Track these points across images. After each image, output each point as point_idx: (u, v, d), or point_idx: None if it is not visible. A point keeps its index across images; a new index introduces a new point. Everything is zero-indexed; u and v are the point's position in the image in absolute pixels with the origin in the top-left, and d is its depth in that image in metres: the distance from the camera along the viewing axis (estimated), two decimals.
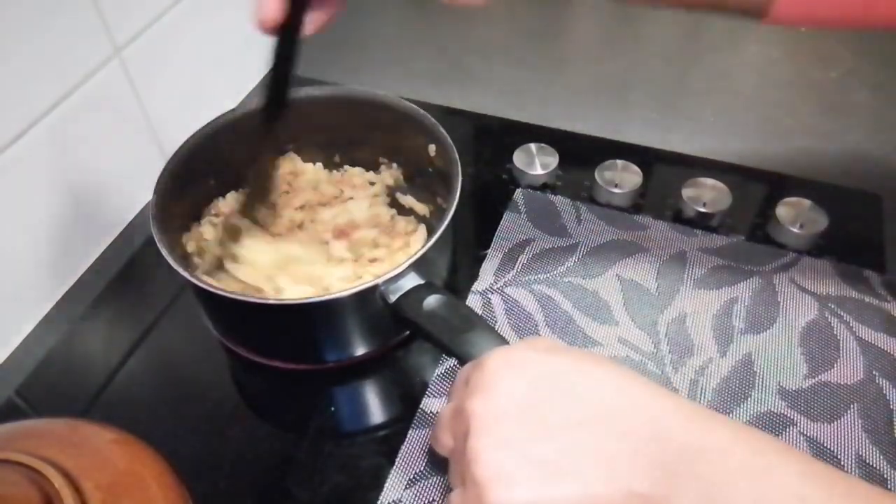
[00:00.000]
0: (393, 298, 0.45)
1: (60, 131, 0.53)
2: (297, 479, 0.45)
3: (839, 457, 0.44)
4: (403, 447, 0.46)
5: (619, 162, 0.62)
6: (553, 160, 0.63)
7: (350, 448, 0.47)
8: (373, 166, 0.61)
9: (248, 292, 0.50)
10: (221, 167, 0.57)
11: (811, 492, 0.29)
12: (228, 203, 0.58)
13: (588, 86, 0.75)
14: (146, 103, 0.61)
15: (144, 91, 0.60)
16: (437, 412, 0.47)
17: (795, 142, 0.68)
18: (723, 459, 0.30)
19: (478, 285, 0.55)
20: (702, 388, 0.48)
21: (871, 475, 0.43)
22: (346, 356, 0.50)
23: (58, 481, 0.30)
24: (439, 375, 0.50)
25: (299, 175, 0.60)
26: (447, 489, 0.42)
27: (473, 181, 0.63)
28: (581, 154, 0.64)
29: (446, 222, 0.47)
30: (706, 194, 0.59)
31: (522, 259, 0.57)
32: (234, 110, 0.55)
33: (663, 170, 0.64)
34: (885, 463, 0.44)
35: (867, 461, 0.44)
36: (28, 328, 0.55)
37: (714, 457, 0.30)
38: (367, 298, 0.45)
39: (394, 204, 0.60)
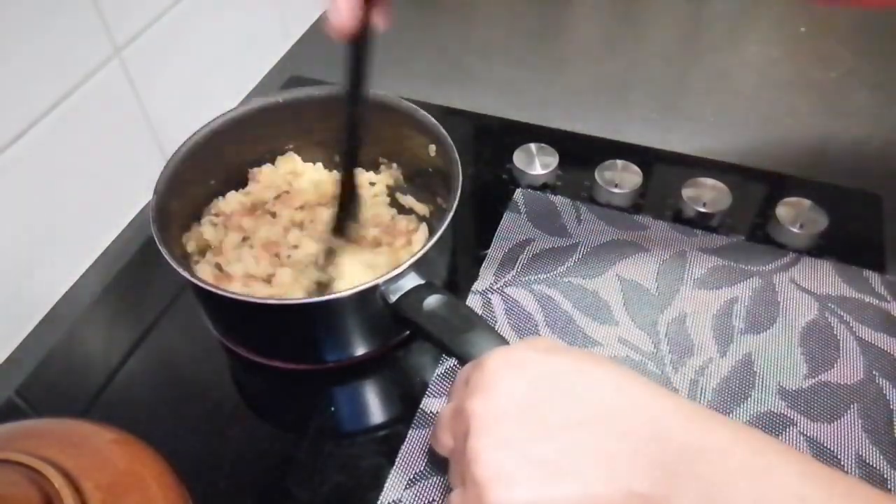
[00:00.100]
0: (393, 298, 0.45)
1: (60, 131, 0.53)
2: (297, 479, 0.45)
3: (839, 457, 0.44)
4: (403, 447, 0.46)
5: (619, 162, 0.62)
6: (553, 160, 0.63)
7: (350, 448, 0.47)
8: (373, 166, 0.61)
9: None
10: (221, 167, 0.57)
11: (811, 492, 0.29)
12: (229, 203, 0.58)
13: (588, 86, 0.75)
14: (146, 103, 0.61)
15: (144, 91, 0.60)
16: (437, 412, 0.47)
17: (795, 142, 0.68)
18: (723, 459, 0.30)
19: (478, 285, 0.55)
20: (702, 388, 0.48)
21: (871, 475, 0.43)
22: (346, 356, 0.50)
23: (58, 481, 0.30)
24: (439, 375, 0.50)
25: (299, 175, 0.60)
26: (447, 489, 0.42)
27: (473, 181, 0.63)
28: (581, 154, 0.64)
29: (446, 222, 0.47)
30: (706, 194, 0.59)
31: (522, 259, 0.57)
32: (234, 110, 0.55)
33: (663, 170, 0.64)
34: (885, 463, 0.44)
35: (867, 461, 0.44)
36: (28, 328, 0.55)
37: (714, 457, 0.30)
38: (367, 298, 0.45)
39: (394, 204, 0.60)
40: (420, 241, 0.55)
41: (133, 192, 0.62)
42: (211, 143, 0.54)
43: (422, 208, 0.58)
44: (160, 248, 0.45)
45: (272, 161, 0.60)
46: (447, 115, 0.69)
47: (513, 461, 0.32)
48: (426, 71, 0.78)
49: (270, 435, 0.49)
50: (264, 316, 0.47)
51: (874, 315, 0.51)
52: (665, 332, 0.51)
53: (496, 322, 0.52)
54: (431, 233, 0.47)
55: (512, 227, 0.59)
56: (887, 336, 0.50)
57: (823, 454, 0.45)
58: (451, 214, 0.47)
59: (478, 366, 0.36)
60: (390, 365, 0.52)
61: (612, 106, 0.73)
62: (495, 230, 0.59)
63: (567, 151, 0.64)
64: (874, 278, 0.54)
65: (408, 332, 0.51)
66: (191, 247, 0.55)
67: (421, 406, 0.48)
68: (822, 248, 0.56)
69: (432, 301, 0.44)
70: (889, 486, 0.43)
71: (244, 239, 0.56)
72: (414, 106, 0.54)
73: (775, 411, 0.47)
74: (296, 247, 0.55)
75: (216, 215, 0.57)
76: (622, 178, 0.61)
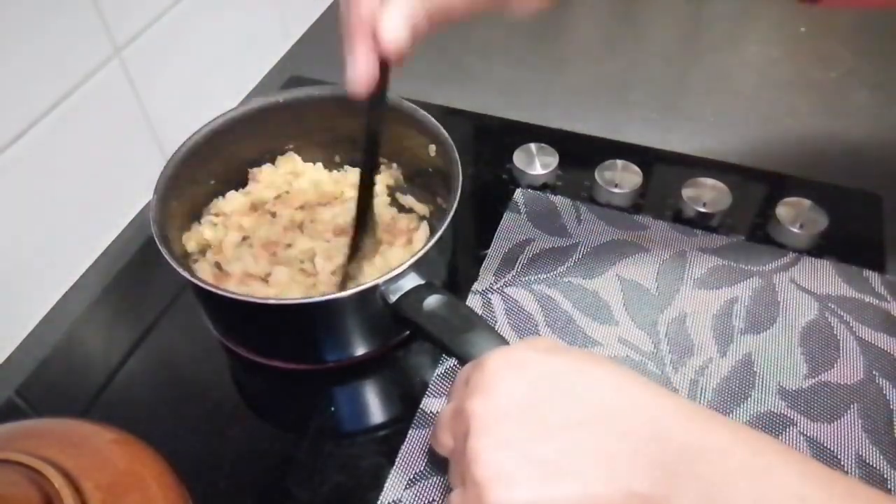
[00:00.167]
0: (393, 298, 0.45)
1: (60, 131, 0.53)
2: (297, 479, 0.45)
3: (839, 457, 0.44)
4: (403, 447, 0.46)
5: (619, 162, 0.62)
6: (553, 160, 0.63)
7: (350, 448, 0.47)
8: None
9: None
10: (221, 167, 0.57)
11: (811, 492, 0.29)
12: (229, 202, 0.58)
13: (588, 86, 0.75)
14: (146, 103, 0.61)
15: (144, 91, 0.60)
16: (437, 412, 0.47)
17: (795, 142, 0.68)
18: (723, 459, 0.30)
19: (478, 285, 0.55)
20: (702, 388, 0.48)
21: (871, 475, 0.43)
22: (346, 356, 0.50)
23: (58, 481, 0.30)
24: (439, 375, 0.50)
25: (299, 175, 0.60)
26: (447, 489, 0.42)
27: (473, 181, 0.63)
28: (581, 154, 0.64)
29: (447, 222, 0.47)
30: (706, 194, 0.59)
31: (522, 259, 0.57)
32: (234, 110, 0.55)
33: (663, 170, 0.64)
34: (885, 463, 0.44)
35: (867, 461, 0.44)
36: (28, 328, 0.55)
37: (714, 457, 0.30)
38: (367, 298, 0.45)
39: (394, 204, 0.60)
40: (421, 240, 0.55)
41: (133, 192, 0.62)
42: (211, 143, 0.54)
43: (422, 208, 0.58)
44: (160, 247, 0.45)
45: (272, 161, 0.60)
46: (447, 115, 0.69)
47: (513, 461, 0.32)
48: (426, 71, 0.78)
49: (270, 435, 0.49)
50: (264, 316, 0.47)
51: (874, 315, 0.51)
52: (665, 332, 0.51)
53: (496, 322, 0.52)
54: (431, 233, 0.47)
55: (512, 227, 0.59)
56: (887, 336, 0.50)
57: (823, 454, 0.45)
58: (452, 214, 0.47)
59: (478, 366, 0.36)
60: (390, 365, 0.52)
61: (612, 106, 0.73)
62: (495, 230, 0.59)
63: (567, 151, 0.64)
64: (874, 278, 0.54)
65: (408, 332, 0.51)
66: (191, 246, 0.55)
67: (421, 406, 0.48)
68: (822, 248, 0.56)
69: (432, 301, 0.44)
70: (889, 486, 0.43)
71: (244, 238, 0.56)
72: (414, 106, 0.54)
73: (775, 411, 0.47)
74: (289, 245, 0.55)
75: (216, 215, 0.57)
76: (622, 178, 0.61)
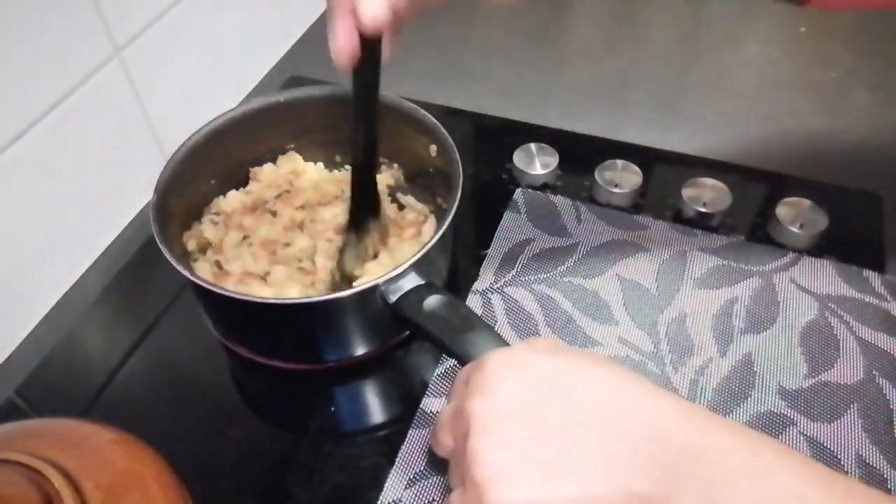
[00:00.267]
0: (393, 298, 0.45)
1: (60, 131, 0.53)
2: (297, 479, 0.45)
3: (839, 457, 0.44)
4: (403, 447, 0.46)
5: (619, 162, 0.62)
6: (553, 160, 0.63)
7: (350, 448, 0.47)
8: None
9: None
10: (222, 167, 0.57)
11: (810, 492, 0.29)
12: (229, 202, 0.58)
13: (588, 86, 0.75)
14: (146, 103, 0.61)
15: (144, 91, 0.60)
16: (437, 412, 0.47)
17: (795, 142, 0.68)
18: (723, 460, 0.30)
19: (478, 285, 0.55)
20: (702, 388, 0.48)
21: (871, 475, 0.43)
22: (346, 356, 0.50)
23: (58, 481, 0.30)
24: (439, 375, 0.50)
25: (300, 174, 0.60)
26: (447, 489, 0.42)
27: (473, 181, 0.63)
28: (581, 154, 0.64)
29: (447, 222, 0.47)
30: (706, 194, 0.59)
31: (522, 259, 0.57)
32: (234, 110, 0.55)
33: (663, 170, 0.64)
34: (885, 463, 0.44)
35: (867, 461, 0.44)
36: (28, 328, 0.55)
37: (714, 457, 0.30)
38: (367, 298, 0.45)
39: (394, 203, 0.59)
40: (429, 233, 0.55)
41: (133, 192, 0.62)
42: (211, 142, 0.54)
43: (422, 208, 0.58)
44: (161, 247, 0.45)
45: (273, 160, 0.60)
46: (447, 115, 0.69)
47: (513, 461, 0.32)
48: (426, 71, 0.78)
49: (270, 435, 0.49)
50: (264, 315, 0.47)
51: (874, 315, 0.51)
52: (665, 331, 0.51)
53: (496, 322, 0.52)
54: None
55: (512, 227, 0.59)
56: (887, 336, 0.50)
57: (823, 454, 0.45)
58: (452, 214, 0.47)
59: (478, 366, 0.36)
60: (390, 365, 0.52)
61: (612, 106, 0.73)
62: (495, 230, 0.59)
63: (567, 151, 0.64)
64: (874, 278, 0.54)
65: (408, 332, 0.51)
66: (191, 245, 0.55)
67: (421, 406, 0.48)
68: (822, 248, 0.56)
69: (432, 301, 0.44)
70: (889, 486, 0.43)
71: (244, 238, 0.56)
72: (414, 106, 0.54)
73: (775, 411, 0.47)
74: (288, 244, 0.55)
75: (217, 214, 0.57)
76: (622, 178, 0.61)
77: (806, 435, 0.46)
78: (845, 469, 0.44)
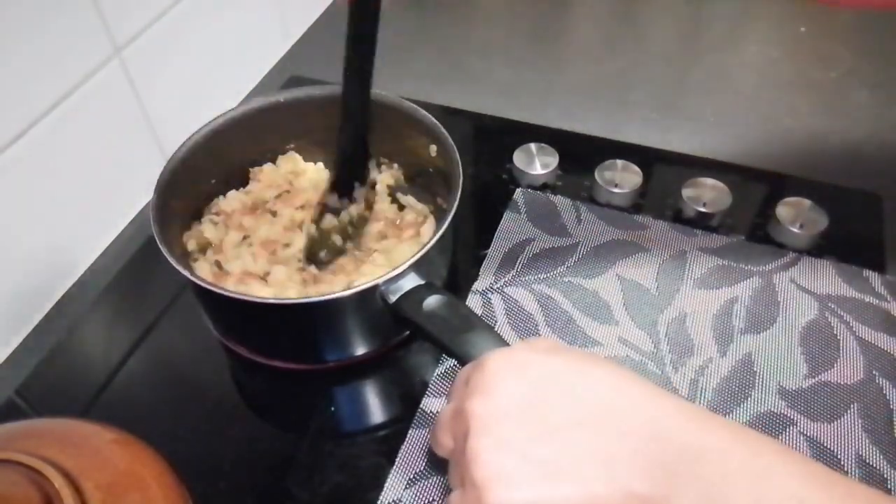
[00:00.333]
0: (393, 298, 0.45)
1: (60, 131, 0.53)
2: (297, 479, 0.45)
3: (839, 457, 0.44)
4: (403, 447, 0.46)
5: (619, 162, 0.62)
6: (553, 160, 0.63)
7: (350, 448, 0.47)
8: (374, 166, 0.61)
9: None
10: (222, 167, 0.57)
11: (810, 493, 0.29)
12: (229, 202, 0.58)
13: (588, 86, 0.75)
14: (146, 103, 0.61)
15: (144, 91, 0.60)
16: (437, 412, 0.47)
17: (795, 142, 0.68)
18: (723, 460, 0.30)
19: (478, 285, 0.55)
20: (702, 388, 0.48)
21: (871, 475, 0.43)
22: (346, 356, 0.50)
23: (58, 481, 0.30)
24: (439, 375, 0.50)
25: (300, 174, 0.60)
26: (447, 489, 0.42)
27: (473, 181, 0.63)
28: (581, 154, 0.64)
29: (447, 222, 0.47)
30: (706, 194, 0.59)
31: (522, 259, 0.57)
32: (234, 110, 0.55)
33: (663, 170, 0.64)
34: (885, 463, 0.44)
35: (867, 461, 0.44)
36: (28, 328, 0.55)
37: (714, 457, 0.30)
38: (367, 298, 0.45)
39: (394, 203, 0.59)
40: (428, 234, 0.55)
41: (133, 192, 0.62)
42: (211, 142, 0.54)
43: (422, 208, 0.58)
44: (161, 247, 0.45)
45: (273, 160, 0.60)
46: (447, 115, 0.69)
47: (512, 462, 0.32)
48: (426, 71, 0.78)
49: (270, 435, 0.49)
50: (264, 315, 0.47)
51: (874, 315, 0.51)
52: (665, 331, 0.51)
53: (496, 322, 0.52)
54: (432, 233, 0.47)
55: (512, 227, 0.59)
56: (887, 336, 0.50)
57: (823, 454, 0.45)
58: (452, 214, 0.47)
59: (478, 366, 0.36)
60: (390, 365, 0.52)
61: (612, 106, 0.73)
62: (495, 230, 0.59)
63: (567, 151, 0.64)
64: (874, 278, 0.54)
65: (408, 332, 0.51)
66: (191, 245, 0.55)
67: (421, 406, 0.48)
68: (822, 248, 0.56)
69: (432, 301, 0.44)
70: (889, 486, 0.43)
71: (244, 238, 0.56)
72: (414, 106, 0.54)
73: (775, 411, 0.47)
74: (288, 244, 0.55)
75: (217, 214, 0.57)
76: (622, 178, 0.61)
77: (806, 435, 0.46)
78: (845, 469, 0.44)
